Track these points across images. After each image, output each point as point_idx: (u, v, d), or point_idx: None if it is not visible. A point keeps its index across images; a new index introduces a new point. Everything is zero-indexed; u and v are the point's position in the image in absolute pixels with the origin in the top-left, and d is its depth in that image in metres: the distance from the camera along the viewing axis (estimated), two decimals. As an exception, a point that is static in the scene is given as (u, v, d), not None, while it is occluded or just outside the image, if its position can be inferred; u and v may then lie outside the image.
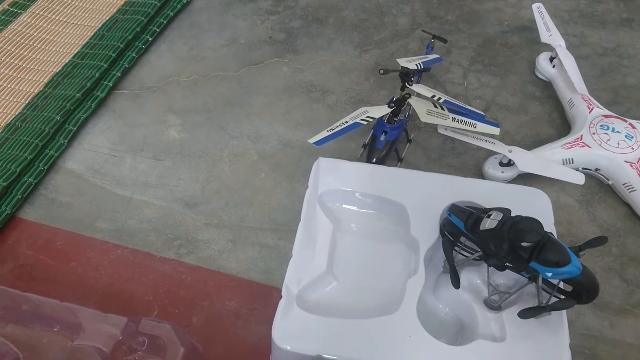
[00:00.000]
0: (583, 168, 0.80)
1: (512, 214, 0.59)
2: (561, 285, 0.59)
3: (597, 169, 0.80)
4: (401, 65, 0.78)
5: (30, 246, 0.71)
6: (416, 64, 0.80)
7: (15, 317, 0.62)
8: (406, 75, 0.76)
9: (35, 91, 0.87)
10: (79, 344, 0.57)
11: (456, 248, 0.64)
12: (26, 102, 0.85)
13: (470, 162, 0.82)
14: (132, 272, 0.68)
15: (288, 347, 0.57)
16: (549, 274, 0.55)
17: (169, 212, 0.75)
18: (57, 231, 0.72)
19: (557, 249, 0.55)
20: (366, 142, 0.80)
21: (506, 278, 0.64)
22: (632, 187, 0.76)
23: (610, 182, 0.80)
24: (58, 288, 0.67)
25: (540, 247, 0.55)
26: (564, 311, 0.59)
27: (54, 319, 0.60)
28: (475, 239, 0.60)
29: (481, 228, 0.58)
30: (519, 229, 0.55)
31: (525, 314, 0.58)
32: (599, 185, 0.80)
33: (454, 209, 0.63)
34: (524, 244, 0.55)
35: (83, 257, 0.70)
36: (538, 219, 0.56)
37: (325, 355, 0.56)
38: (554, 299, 0.58)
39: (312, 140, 0.71)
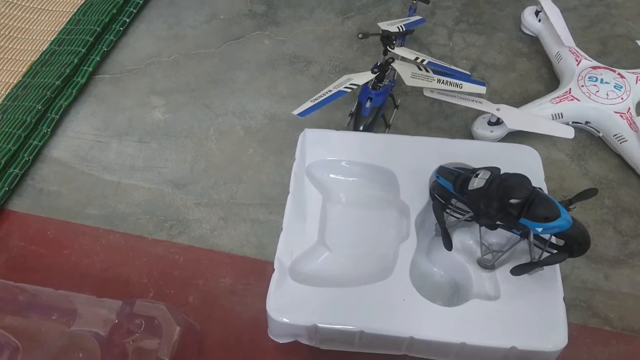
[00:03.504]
0: (573, 122, 0.79)
1: (501, 172, 0.58)
2: (553, 240, 0.59)
3: (587, 122, 0.79)
4: (382, 28, 0.77)
5: (21, 237, 0.70)
6: (397, 27, 0.78)
7: (11, 308, 0.62)
8: (387, 39, 0.75)
9: (15, 81, 0.85)
10: (77, 330, 0.57)
11: (447, 210, 0.63)
12: (6, 93, 0.84)
13: (459, 124, 0.81)
14: (125, 256, 0.68)
15: (283, 319, 0.57)
16: (539, 229, 0.55)
17: (158, 194, 0.74)
18: (48, 220, 0.72)
19: (546, 203, 0.54)
20: (352, 110, 0.79)
21: (498, 237, 0.64)
22: (623, 138, 0.76)
23: (600, 135, 0.79)
24: (52, 277, 0.67)
25: (529, 203, 0.55)
26: (557, 266, 0.59)
27: (50, 307, 0.60)
28: (464, 200, 0.59)
29: (469, 188, 0.58)
30: (507, 186, 0.55)
31: (517, 270, 0.58)
32: (590, 139, 0.79)
33: (441, 171, 0.62)
34: (512, 200, 0.54)
35: (75, 244, 0.70)
36: (526, 175, 0.56)
37: (320, 325, 0.57)
38: (546, 254, 0.58)
39: (296, 112, 0.70)
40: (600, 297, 0.65)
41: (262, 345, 0.61)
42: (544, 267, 0.57)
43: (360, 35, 0.73)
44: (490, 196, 0.56)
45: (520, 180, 0.55)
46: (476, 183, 0.57)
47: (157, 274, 0.67)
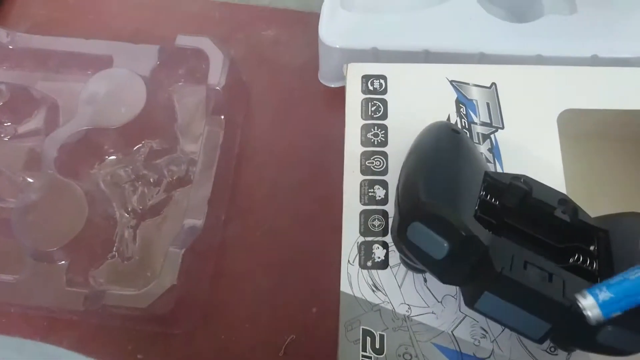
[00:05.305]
0: None
1: None
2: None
3: None
4: None
5: (41, 6, 0.65)
6: None
7: (41, 74, 0.58)
8: None
9: None
10: (118, 69, 0.53)
11: None
12: None
13: None
14: (157, 16, 0.63)
15: (338, 45, 0.52)
16: None
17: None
18: (66, -13, 0.66)
19: None
20: None
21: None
22: None
23: None
24: (80, 42, 0.62)
25: None
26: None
27: (84, 63, 0.56)
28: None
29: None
30: None
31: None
32: None
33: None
34: None
35: (100, 8, 0.64)
36: None
37: (381, 48, 0.52)
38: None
39: None
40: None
41: (313, 91, 0.57)
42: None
43: None
44: None
45: None
46: None
47: (192, 31, 0.61)
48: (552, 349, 0.34)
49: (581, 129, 0.44)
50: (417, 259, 0.30)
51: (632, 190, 0.45)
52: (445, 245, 0.29)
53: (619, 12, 0.52)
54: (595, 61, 0.50)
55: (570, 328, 0.28)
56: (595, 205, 0.42)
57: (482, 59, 0.51)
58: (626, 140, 0.47)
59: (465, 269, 0.29)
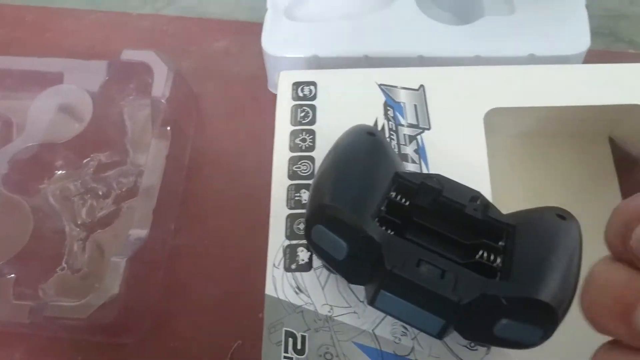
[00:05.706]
0: None
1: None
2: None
3: None
4: None
5: (-1, 26, 0.66)
6: None
7: (1, 92, 0.60)
8: None
9: None
10: (66, 85, 0.54)
11: None
12: None
13: None
14: (111, 33, 0.64)
15: (281, 55, 0.53)
16: None
17: (138, -29, 0.69)
18: (24, 8, 0.67)
19: None
20: None
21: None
22: None
23: None
24: (38, 60, 0.63)
25: None
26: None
27: (38, 78, 0.57)
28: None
29: None
30: None
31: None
32: None
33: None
34: None
35: (57, 26, 0.65)
36: None
37: (322, 55, 0.53)
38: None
39: None
40: (624, 22, 0.60)
41: (263, 100, 0.58)
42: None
43: None
44: None
45: None
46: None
47: (146, 45, 0.62)
48: (472, 345, 0.34)
49: (510, 127, 0.45)
50: (323, 260, 0.31)
51: (562, 186, 0.46)
52: (344, 246, 0.29)
53: (558, 10, 0.52)
54: (532, 60, 0.51)
55: (465, 323, 0.28)
56: (523, 202, 0.43)
57: (422, 62, 0.51)
58: (557, 137, 0.47)
59: (366, 268, 0.30)
